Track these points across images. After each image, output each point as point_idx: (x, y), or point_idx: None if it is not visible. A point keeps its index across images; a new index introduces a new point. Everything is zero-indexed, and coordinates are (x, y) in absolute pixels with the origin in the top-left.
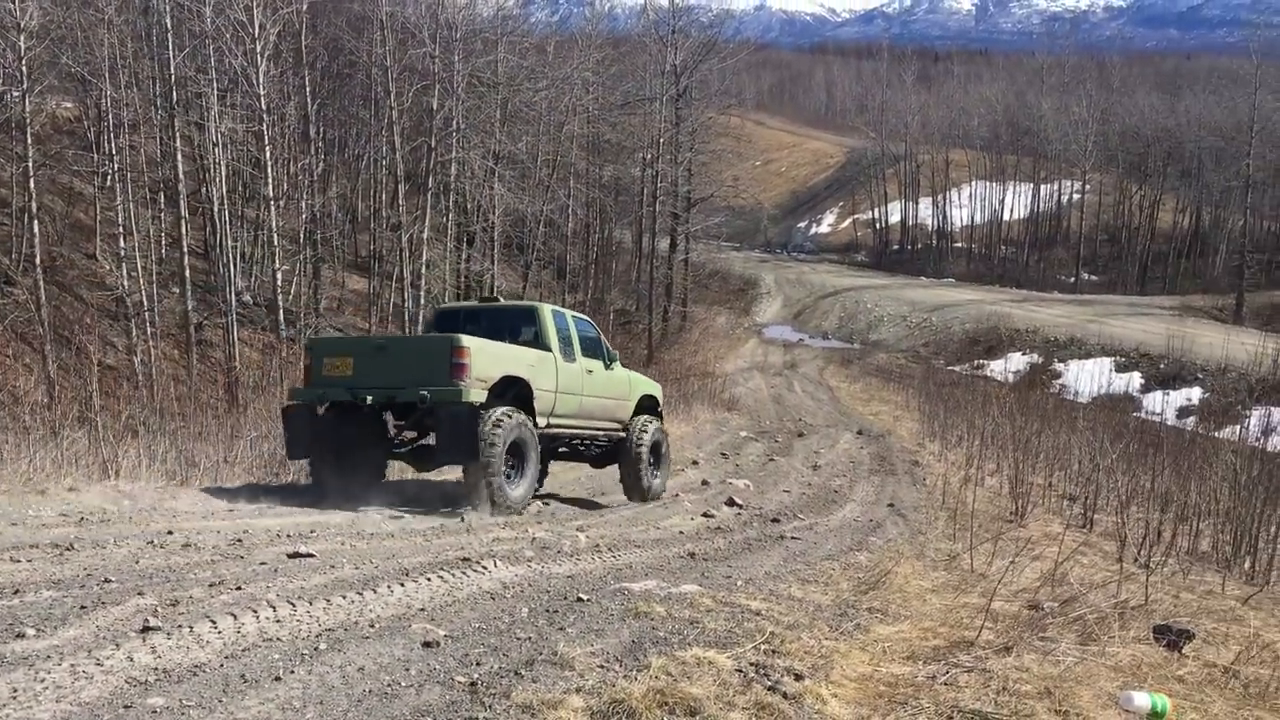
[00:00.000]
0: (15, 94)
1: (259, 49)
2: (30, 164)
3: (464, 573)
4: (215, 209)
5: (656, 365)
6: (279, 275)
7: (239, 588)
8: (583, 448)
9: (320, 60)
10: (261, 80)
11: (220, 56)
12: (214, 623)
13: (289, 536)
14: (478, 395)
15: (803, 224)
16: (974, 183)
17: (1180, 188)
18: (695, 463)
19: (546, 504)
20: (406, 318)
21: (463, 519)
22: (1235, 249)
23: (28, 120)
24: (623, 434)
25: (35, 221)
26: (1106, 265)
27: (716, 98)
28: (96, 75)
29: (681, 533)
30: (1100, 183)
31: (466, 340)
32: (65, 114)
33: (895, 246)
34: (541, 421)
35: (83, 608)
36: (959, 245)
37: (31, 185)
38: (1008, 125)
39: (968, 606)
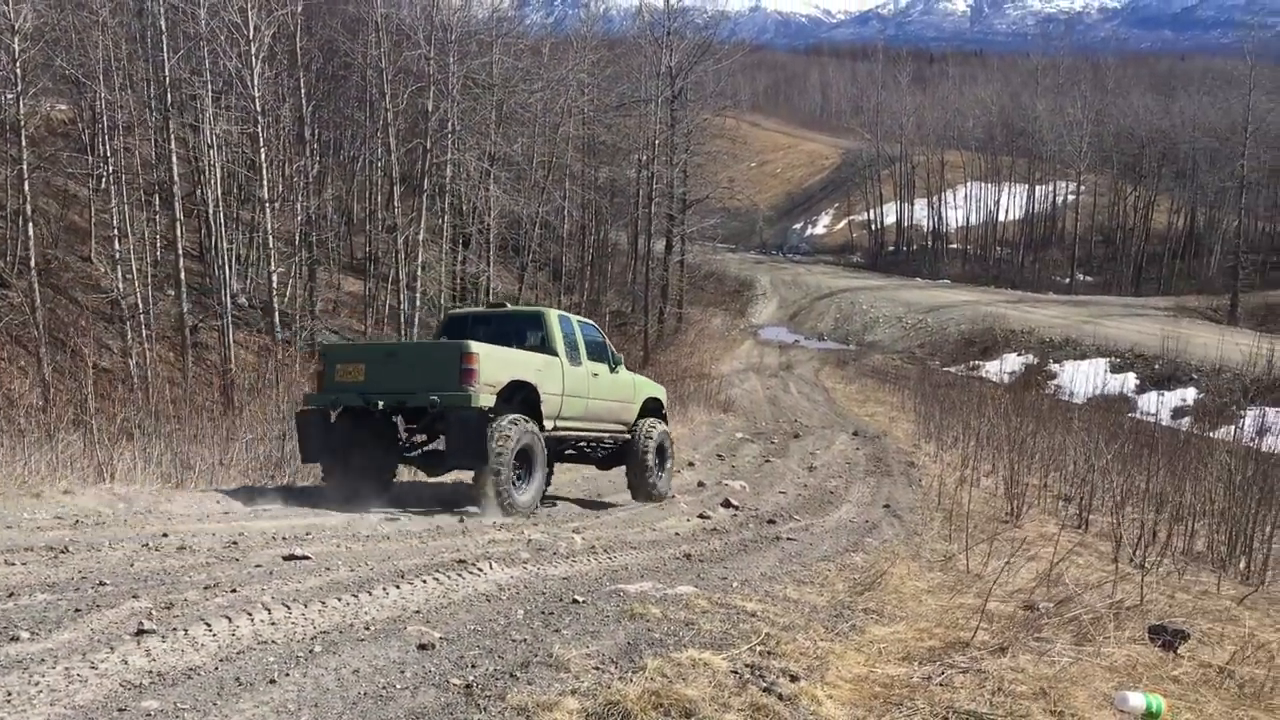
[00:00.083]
0: (9, 96)
1: (254, 51)
2: (25, 166)
3: (459, 575)
4: (210, 211)
5: (652, 367)
6: (274, 277)
7: (234, 590)
8: (589, 450)
9: (315, 62)
10: (256, 82)
11: (215, 58)
12: (209, 625)
13: (284, 539)
14: (486, 400)
15: (798, 225)
16: (969, 184)
17: (1175, 188)
18: (691, 464)
19: (554, 505)
20: (402, 320)
21: (461, 520)
22: (1230, 250)
23: (22, 122)
24: (628, 436)
25: (30, 224)
26: (1101, 266)
27: (712, 99)
28: (91, 77)
29: (677, 534)
30: (1095, 184)
31: (475, 346)
32: (60, 116)
33: (890, 248)
34: (548, 425)
35: (77, 611)
36: (954, 246)
37: (26, 188)
38: (1003, 126)
39: (963, 607)
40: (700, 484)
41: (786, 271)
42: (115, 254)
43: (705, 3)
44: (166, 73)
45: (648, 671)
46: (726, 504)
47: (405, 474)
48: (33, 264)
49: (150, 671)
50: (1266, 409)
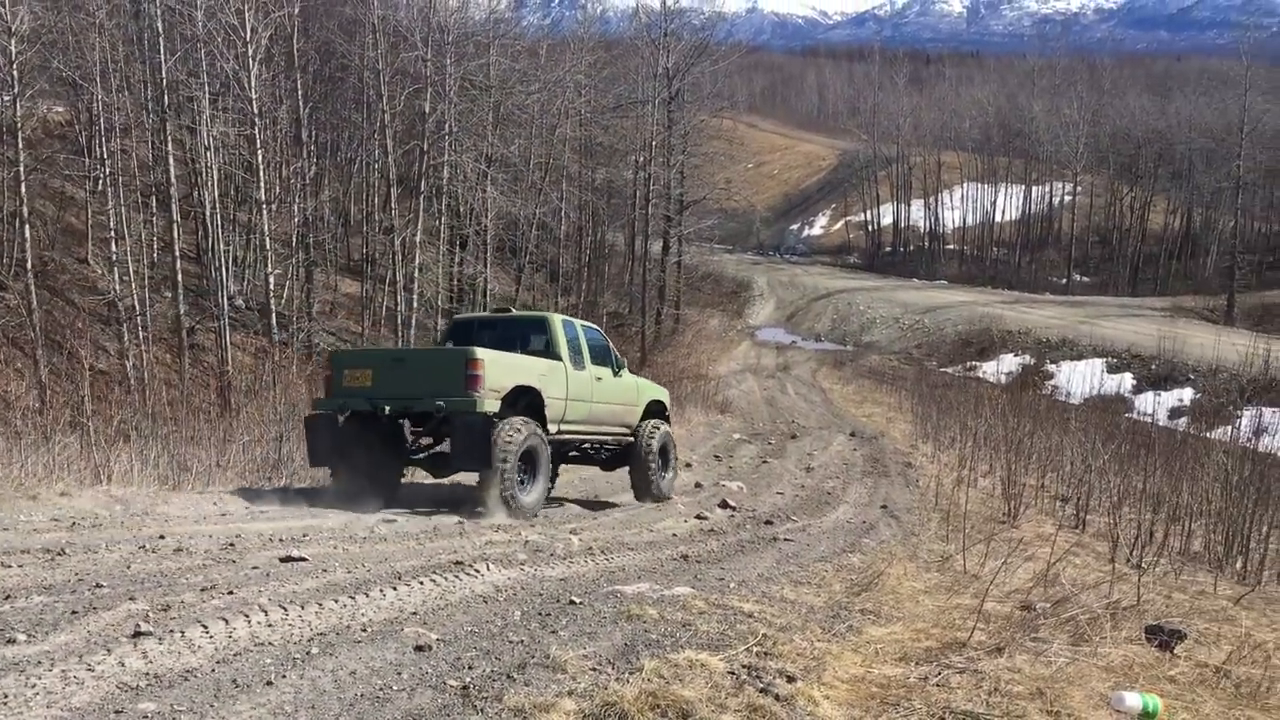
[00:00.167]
0: (6, 98)
1: (251, 52)
2: (21, 168)
3: (456, 576)
4: (207, 213)
5: (649, 368)
6: (271, 279)
7: (231, 592)
8: (593, 452)
9: (312, 64)
10: (253, 84)
11: (212, 60)
12: (205, 627)
13: (281, 540)
14: (491, 405)
15: (795, 226)
16: (966, 185)
17: (1171, 189)
18: (689, 465)
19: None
20: (399, 321)
21: (460, 523)
22: (1226, 250)
23: (19, 125)
24: (631, 438)
25: (26, 226)
26: (1098, 267)
27: (709, 100)
28: (88, 79)
29: (675, 535)
30: (1091, 184)
31: (480, 353)
32: (56, 118)
33: (887, 248)
34: (552, 428)
35: (74, 613)
36: (951, 247)
37: (23, 190)
38: (999, 127)
39: (960, 607)
40: (698, 485)
41: (784, 272)
42: (112, 256)
43: (702, 4)
44: (163, 74)
45: (645, 672)
46: (724, 505)
47: (406, 475)
48: (29, 266)
49: (147, 674)
50: (1263, 409)
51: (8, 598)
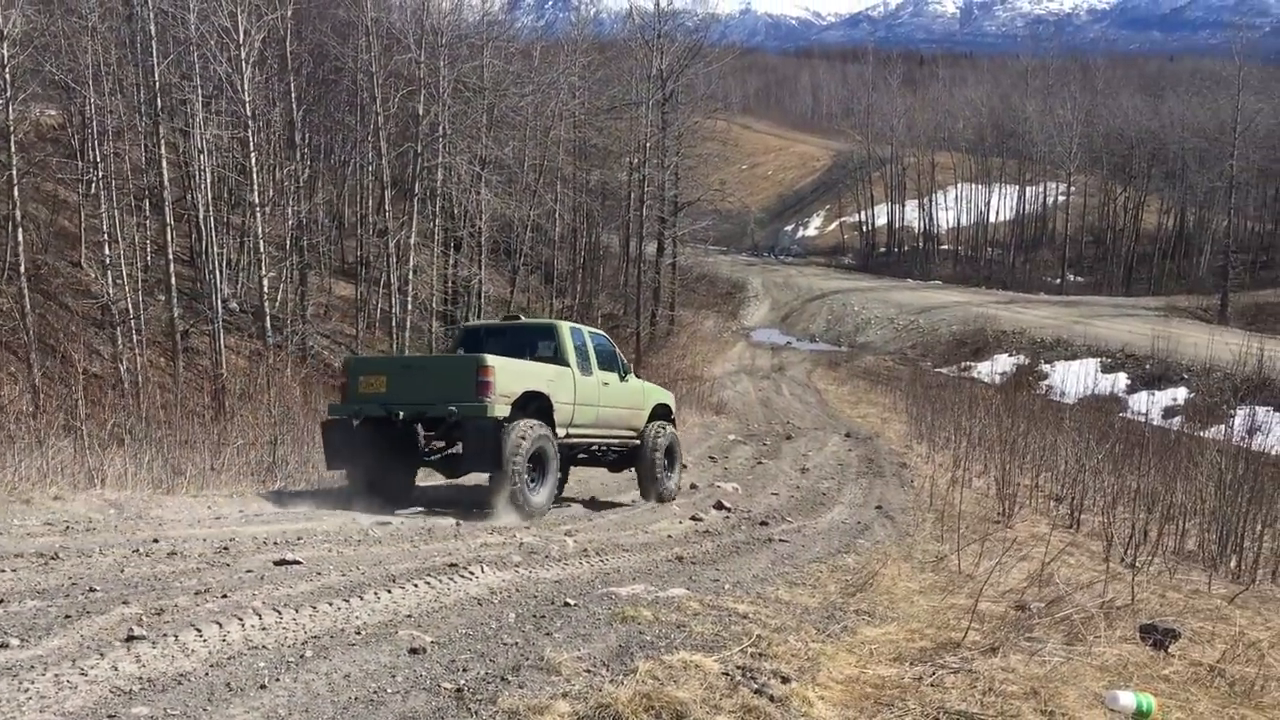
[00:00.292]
0: None
1: (244, 55)
2: (14, 172)
3: (451, 579)
4: (201, 216)
5: (644, 369)
6: (265, 282)
7: (225, 595)
8: (600, 454)
9: (305, 66)
10: (246, 86)
11: (205, 63)
12: (199, 631)
13: (276, 544)
14: (501, 410)
15: (790, 227)
16: (960, 185)
17: (1164, 189)
18: (684, 466)
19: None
20: (394, 324)
21: (458, 524)
22: (1219, 249)
23: (11, 128)
24: (637, 441)
25: (19, 230)
26: (1092, 266)
27: (703, 102)
28: (80, 82)
29: (669, 536)
30: (1085, 184)
31: (491, 359)
32: (49, 121)
33: (882, 249)
34: (561, 432)
35: (67, 617)
36: (945, 247)
37: (15, 193)
38: (993, 128)
39: (955, 607)
40: (693, 486)
41: (778, 273)
42: (105, 259)
43: (695, 5)
44: (156, 78)
45: (639, 674)
46: (719, 506)
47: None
48: (22, 269)
49: (140, 678)
50: (1256, 408)
51: (1, 602)
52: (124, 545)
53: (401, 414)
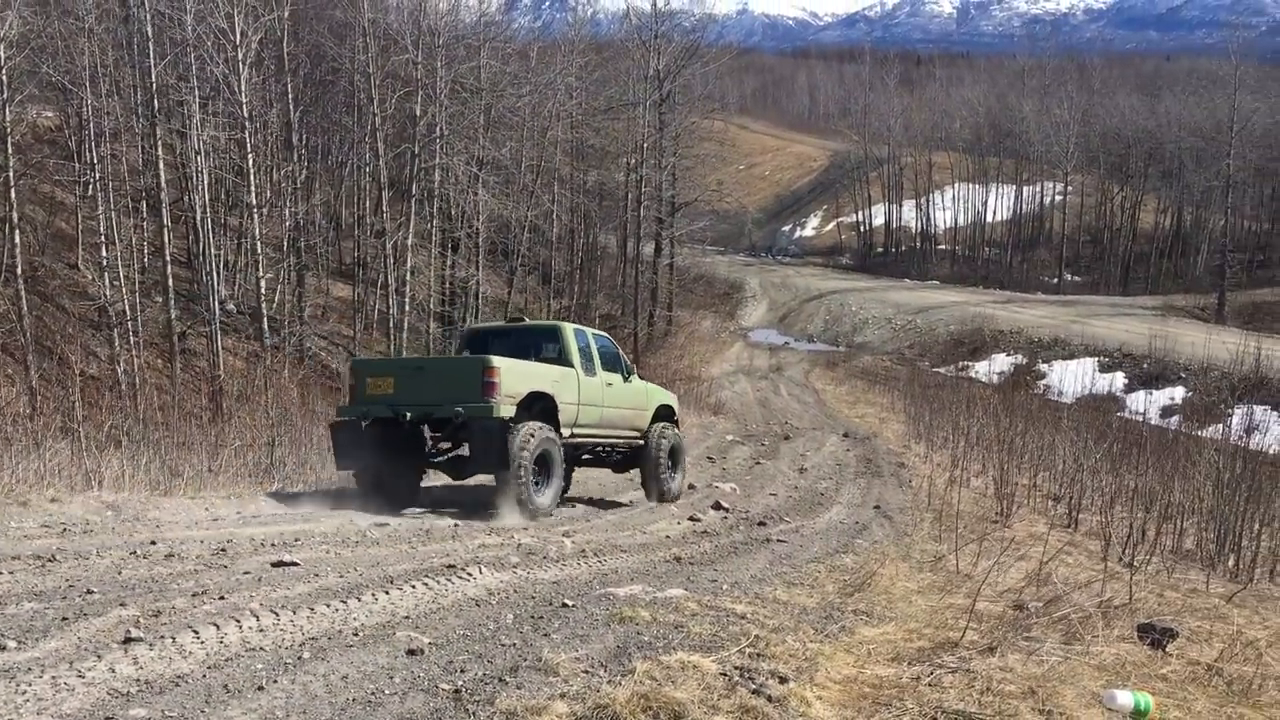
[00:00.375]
0: None
1: (240, 56)
2: (11, 174)
3: (449, 580)
4: (198, 217)
5: (642, 370)
6: (263, 283)
7: (222, 597)
8: (605, 454)
9: (302, 67)
10: (243, 87)
11: (202, 64)
12: (196, 633)
13: (273, 545)
14: (507, 410)
15: (787, 227)
16: (957, 185)
17: (1161, 188)
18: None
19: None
20: (392, 325)
21: (456, 525)
22: (1216, 249)
23: (8, 130)
24: (641, 441)
25: (16, 232)
26: (1089, 266)
27: (700, 102)
28: (77, 84)
29: (667, 537)
30: (1082, 184)
31: (497, 361)
32: (46, 123)
33: (879, 249)
34: (566, 432)
35: (64, 619)
36: (942, 247)
37: (12, 195)
38: (990, 127)
39: (953, 607)
40: (691, 486)
41: (776, 274)
42: (102, 261)
43: (692, 6)
44: (153, 79)
45: (637, 675)
46: (717, 506)
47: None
48: (19, 271)
49: (138, 680)
50: (1254, 407)
51: None
52: (121, 547)
53: (408, 415)
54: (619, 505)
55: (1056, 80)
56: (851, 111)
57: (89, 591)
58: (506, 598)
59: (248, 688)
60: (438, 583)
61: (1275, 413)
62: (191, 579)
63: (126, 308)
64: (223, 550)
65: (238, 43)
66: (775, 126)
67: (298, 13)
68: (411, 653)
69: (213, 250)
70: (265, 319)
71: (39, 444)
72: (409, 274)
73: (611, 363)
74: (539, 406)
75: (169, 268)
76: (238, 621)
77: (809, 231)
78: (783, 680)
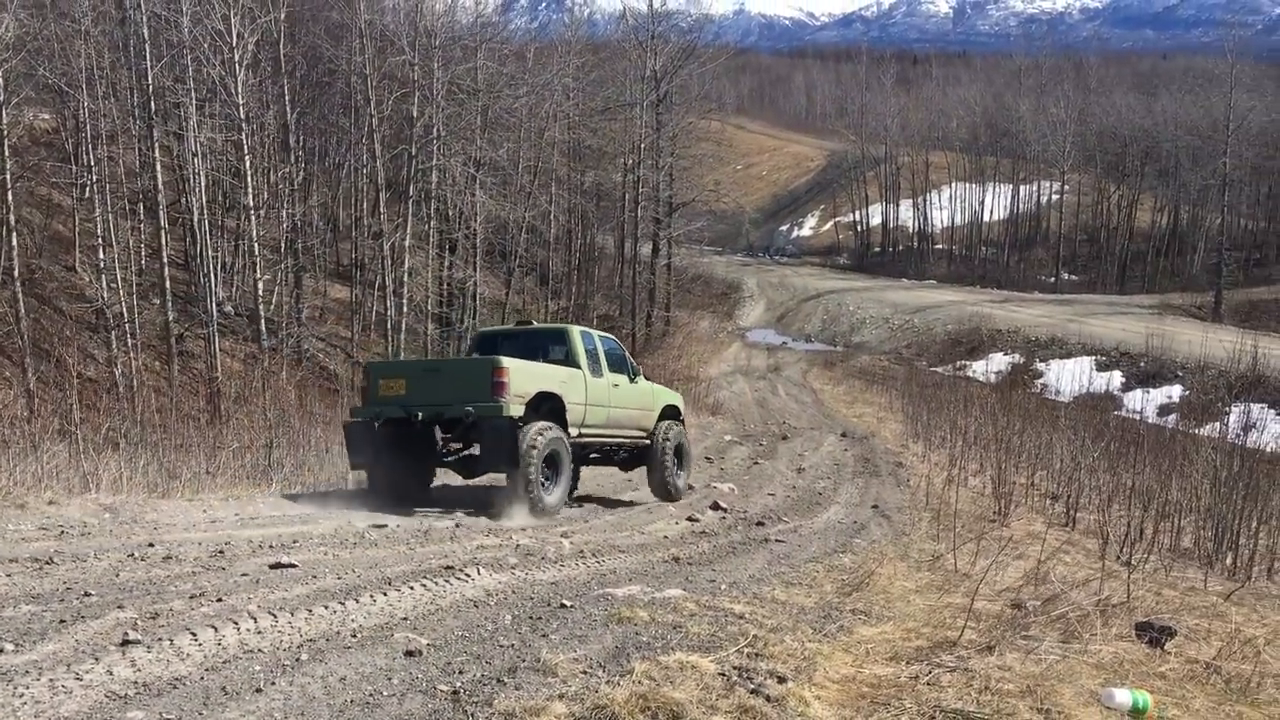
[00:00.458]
0: None
1: (237, 58)
2: (8, 176)
3: (447, 581)
4: (195, 219)
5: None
6: (260, 285)
7: (220, 599)
8: (612, 453)
9: (299, 69)
10: (240, 89)
11: (198, 66)
12: (194, 635)
13: (271, 547)
14: (516, 410)
15: (784, 227)
16: (954, 184)
17: (1158, 187)
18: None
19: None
20: (389, 326)
21: (456, 526)
22: (1213, 247)
23: (5, 132)
24: (647, 441)
25: (13, 234)
26: (1086, 265)
27: (697, 102)
28: (74, 86)
29: (666, 537)
30: (1079, 183)
31: (506, 361)
32: (43, 125)
33: (876, 249)
34: (573, 432)
35: (62, 622)
36: (940, 247)
37: (9, 197)
38: (986, 127)
39: (951, 606)
40: (689, 487)
41: (773, 273)
42: (100, 263)
43: (689, 6)
44: (150, 81)
45: (635, 675)
46: (715, 506)
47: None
48: (16, 274)
49: (135, 682)
50: (1251, 405)
51: None
52: (119, 549)
53: (420, 415)
54: (619, 504)
55: (1053, 79)
56: (848, 111)
57: (86, 594)
58: (505, 599)
59: (246, 690)
60: (436, 584)
61: (1272, 411)
62: (189, 581)
63: (124, 310)
64: (220, 552)
65: (234, 44)
66: (772, 126)
67: (294, 14)
68: (409, 654)
69: (210, 252)
70: (263, 321)
71: (36, 446)
72: (406, 275)
73: (618, 364)
74: (547, 407)
75: (166, 270)
76: (235, 623)
77: (806, 231)
78: (781, 680)
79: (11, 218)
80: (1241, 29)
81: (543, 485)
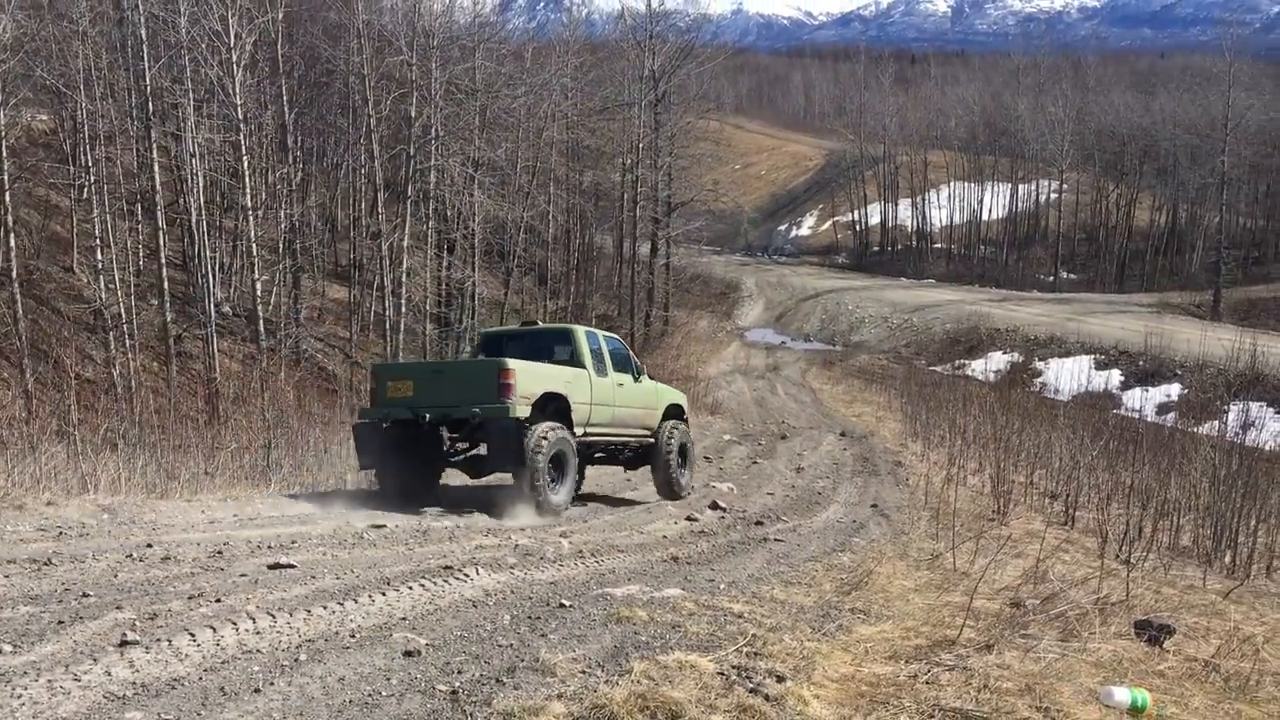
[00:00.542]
0: None
1: (235, 58)
2: (6, 177)
3: (446, 581)
4: (193, 220)
5: None
6: (258, 285)
7: (218, 600)
8: (616, 452)
9: (297, 69)
10: (238, 90)
11: (196, 67)
12: (193, 635)
13: (270, 547)
14: (523, 411)
15: (783, 227)
16: (952, 183)
17: (1156, 185)
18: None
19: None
20: (388, 326)
21: (458, 526)
22: (1211, 245)
23: (2, 133)
24: (652, 439)
25: (11, 235)
26: (1084, 264)
27: (695, 102)
28: (71, 87)
29: (665, 537)
30: (1077, 182)
31: (512, 363)
32: (40, 126)
33: (875, 248)
34: (578, 431)
35: (60, 623)
36: (938, 246)
37: (7, 199)
38: (985, 126)
39: (950, 605)
40: (690, 486)
41: (772, 273)
42: (98, 264)
43: (687, 6)
44: (147, 82)
45: (634, 674)
46: (714, 506)
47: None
48: (14, 275)
49: (134, 683)
50: (1250, 403)
51: None
52: (117, 550)
53: (428, 416)
54: (619, 504)
55: (1051, 78)
56: (847, 111)
57: (85, 595)
58: (504, 598)
59: (244, 690)
60: (435, 584)
61: (1271, 409)
62: (188, 582)
63: (122, 311)
64: (219, 553)
65: (232, 45)
66: (771, 126)
67: (292, 15)
68: (408, 654)
69: (208, 253)
70: (261, 321)
71: (35, 447)
72: (405, 275)
73: (622, 363)
74: (553, 407)
75: (164, 270)
76: (234, 624)
77: (805, 231)
78: (780, 679)
79: (9, 219)
80: (1239, 27)
81: (549, 485)
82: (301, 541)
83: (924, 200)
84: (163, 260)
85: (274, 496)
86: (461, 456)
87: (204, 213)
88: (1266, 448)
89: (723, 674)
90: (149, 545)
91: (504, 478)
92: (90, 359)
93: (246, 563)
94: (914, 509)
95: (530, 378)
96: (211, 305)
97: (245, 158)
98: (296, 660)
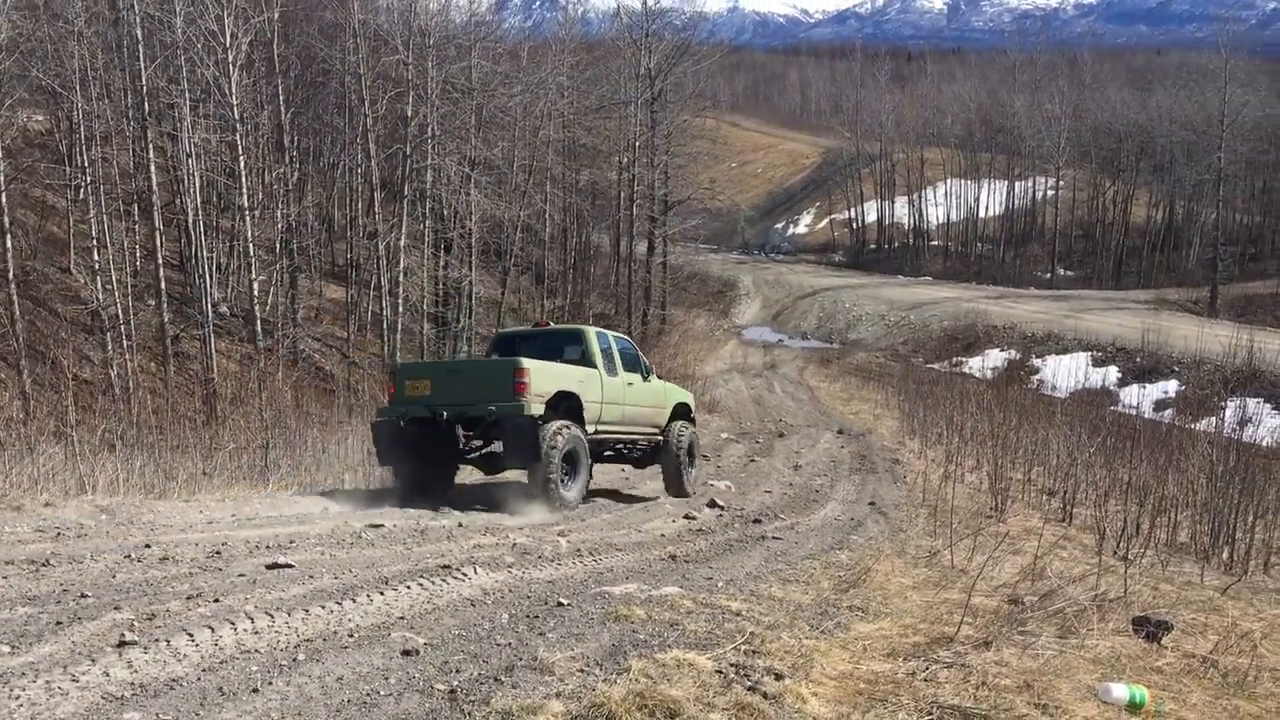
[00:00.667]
0: None
1: (231, 58)
2: (2, 178)
3: (444, 580)
4: (190, 220)
5: None
6: (255, 285)
7: (217, 600)
8: (626, 450)
9: (293, 69)
10: (234, 90)
11: (192, 66)
12: (191, 636)
13: (268, 547)
14: (537, 409)
15: (780, 225)
16: (949, 181)
17: (1153, 182)
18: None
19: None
20: (385, 326)
21: (459, 525)
22: (1208, 242)
23: None
24: (660, 438)
25: (8, 236)
26: (1081, 260)
27: (691, 100)
28: (67, 87)
29: (663, 535)
30: (1074, 179)
31: (527, 362)
32: (36, 127)
33: (872, 246)
34: (590, 429)
35: (58, 623)
36: (935, 243)
37: (3, 199)
38: (981, 123)
39: (948, 602)
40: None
41: (769, 271)
42: (95, 264)
43: (683, 4)
44: (144, 82)
45: (632, 673)
46: (712, 504)
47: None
48: (11, 276)
49: (132, 683)
50: (1247, 400)
51: None
52: (115, 551)
53: (444, 414)
54: (617, 502)
55: (1047, 75)
56: (843, 108)
57: (83, 595)
58: (502, 597)
59: (243, 690)
60: (433, 583)
61: (1268, 405)
62: (186, 582)
63: (119, 311)
64: (217, 553)
65: (228, 45)
66: (767, 124)
67: (288, 14)
68: (407, 653)
69: (205, 253)
70: (258, 321)
71: (32, 448)
72: (402, 275)
73: (631, 363)
74: (565, 405)
75: (161, 271)
76: (232, 624)
77: (802, 229)
78: (778, 677)
79: (5, 220)
80: (1235, 24)
81: (562, 481)
82: (299, 541)
83: (921, 198)
84: (160, 260)
85: (272, 496)
86: (477, 454)
87: (201, 213)
88: (1263, 443)
89: (721, 672)
90: (147, 546)
91: (516, 475)
92: (88, 360)
93: (244, 563)
94: (912, 506)
95: (544, 377)
96: (209, 305)
97: (242, 158)
98: (295, 660)
